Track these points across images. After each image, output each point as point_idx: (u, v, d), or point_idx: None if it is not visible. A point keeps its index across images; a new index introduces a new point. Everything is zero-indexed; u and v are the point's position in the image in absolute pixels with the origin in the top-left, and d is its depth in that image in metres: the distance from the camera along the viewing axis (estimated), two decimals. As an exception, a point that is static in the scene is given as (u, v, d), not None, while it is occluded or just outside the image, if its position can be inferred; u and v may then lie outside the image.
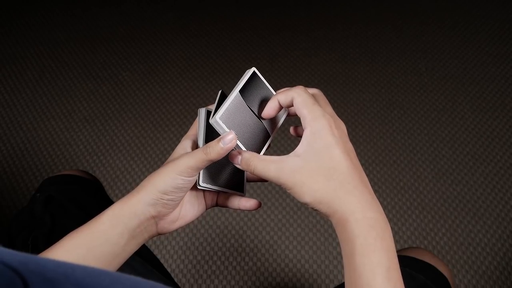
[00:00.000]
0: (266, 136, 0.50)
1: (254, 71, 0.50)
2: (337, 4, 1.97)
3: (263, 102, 0.50)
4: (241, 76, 0.49)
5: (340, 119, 0.47)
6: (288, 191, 0.45)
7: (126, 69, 1.69)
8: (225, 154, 0.45)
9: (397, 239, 1.24)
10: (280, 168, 0.44)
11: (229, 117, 0.46)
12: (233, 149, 0.47)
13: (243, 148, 0.47)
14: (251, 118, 0.48)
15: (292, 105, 0.46)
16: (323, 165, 0.43)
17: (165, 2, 1.97)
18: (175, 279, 1.12)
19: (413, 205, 1.31)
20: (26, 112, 1.54)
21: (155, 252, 1.21)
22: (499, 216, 1.29)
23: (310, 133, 0.44)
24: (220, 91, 0.51)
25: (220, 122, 0.45)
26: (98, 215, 0.46)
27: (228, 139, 0.44)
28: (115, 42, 1.78)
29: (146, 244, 0.96)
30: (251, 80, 0.49)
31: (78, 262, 0.44)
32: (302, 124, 0.45)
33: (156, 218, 0.47)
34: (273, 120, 0.51)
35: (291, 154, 0.45)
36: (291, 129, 0.51)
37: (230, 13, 1.92)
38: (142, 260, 0.71)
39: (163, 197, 0.45)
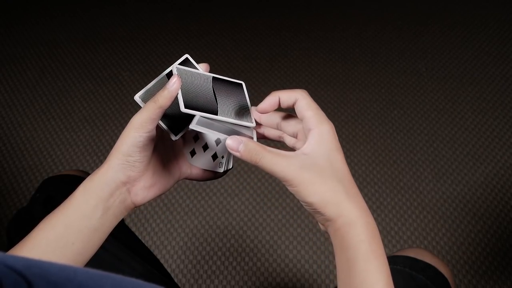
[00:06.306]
0: (214, 109, 0.46)
1: (241, 83, 0.50)
2: (337, 4, 1.97)
3: (232, 101, 0.48)
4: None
5: None
6: (292, 188, 0.43)
7: (126, 69, 1.69)
8: (173, 98, 0.44)
9: (397, 239, 1.24)
10: (289, 164, 0.42)
11: (186, 76, 0.46)
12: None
13: (181, 99, 0.44)
14: (208, 92, 0.47)
15: (291, 106, 0.46)
16: (330, 167, 0.43)
17: (165, 2, 1.97)
18: (175, 279, 1.12)
19: (413, 205, 1.31)
20: (26, 112, 1.54)
21: (155, 252, 1.21)
22: (499, 216, 1.29)
23: (318, 134, 0.43)
24: (186, 55, 0.50)
25: (175, 72, 0.46)
26: (72, 193, 0.47)
27: (172, 82, 0.44)
28: (115, 42, 1.78)
29: (146, 244, 0.96)
30: (232, 83, 0.49)
31: (57, 241, 0.45)
32: (305, 126, 0.45)
33: (128, 184, 0.47)
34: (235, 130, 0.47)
35: (298, 151, 0.44)
36: (287, 138, 0.49)
37: (230, 13, 1.92)
38: (142, 261, 0.71)
39: (128, 159, 0.46)
